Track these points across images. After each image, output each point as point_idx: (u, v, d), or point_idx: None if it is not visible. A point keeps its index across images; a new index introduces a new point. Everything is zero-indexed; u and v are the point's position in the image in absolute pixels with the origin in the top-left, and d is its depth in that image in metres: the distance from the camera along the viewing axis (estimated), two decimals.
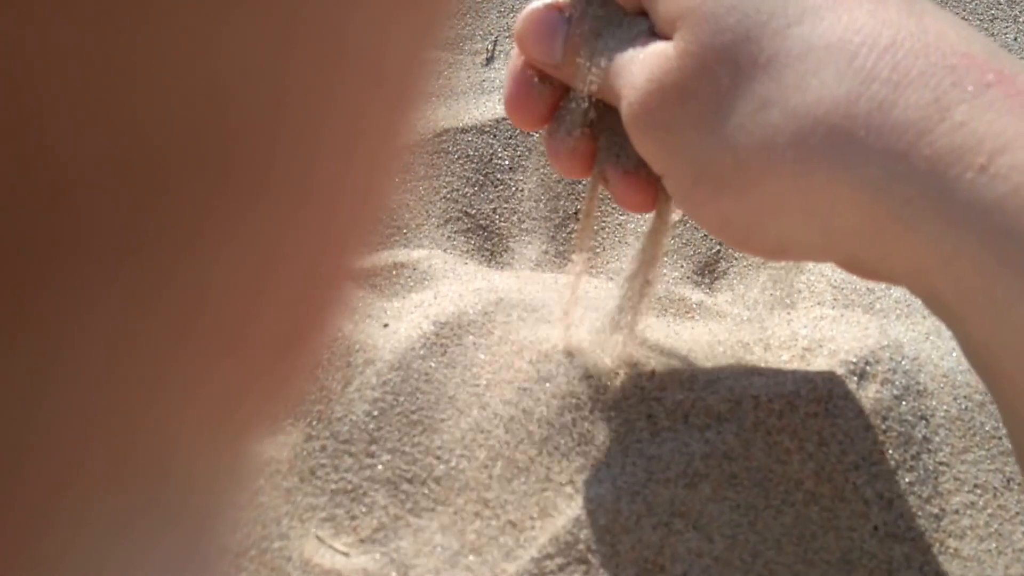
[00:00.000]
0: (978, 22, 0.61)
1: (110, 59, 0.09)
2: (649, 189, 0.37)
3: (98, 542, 0.11)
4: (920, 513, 0.38)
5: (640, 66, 0.34)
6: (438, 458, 0.40)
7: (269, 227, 0.11)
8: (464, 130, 0.50)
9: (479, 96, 0.53)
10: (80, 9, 0.08)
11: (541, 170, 0.50)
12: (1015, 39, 0.60)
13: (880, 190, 0.30)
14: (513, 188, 0.49)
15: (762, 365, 0.42)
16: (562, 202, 0.49)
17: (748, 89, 0.32)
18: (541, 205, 0.49)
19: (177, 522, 0.12)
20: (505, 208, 0.49)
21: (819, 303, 0.47)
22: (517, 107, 0.37)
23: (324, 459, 0.41)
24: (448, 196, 0.49)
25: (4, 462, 0.10)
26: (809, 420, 0.39)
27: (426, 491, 0.40)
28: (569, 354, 0.41)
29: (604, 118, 0.37)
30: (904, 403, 0.40)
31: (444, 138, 0.50)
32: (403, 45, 0.11)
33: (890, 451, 0.39)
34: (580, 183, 0.49)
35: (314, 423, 0.41)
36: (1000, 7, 0.63)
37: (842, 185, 0.30)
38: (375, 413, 0.41)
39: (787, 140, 0.31)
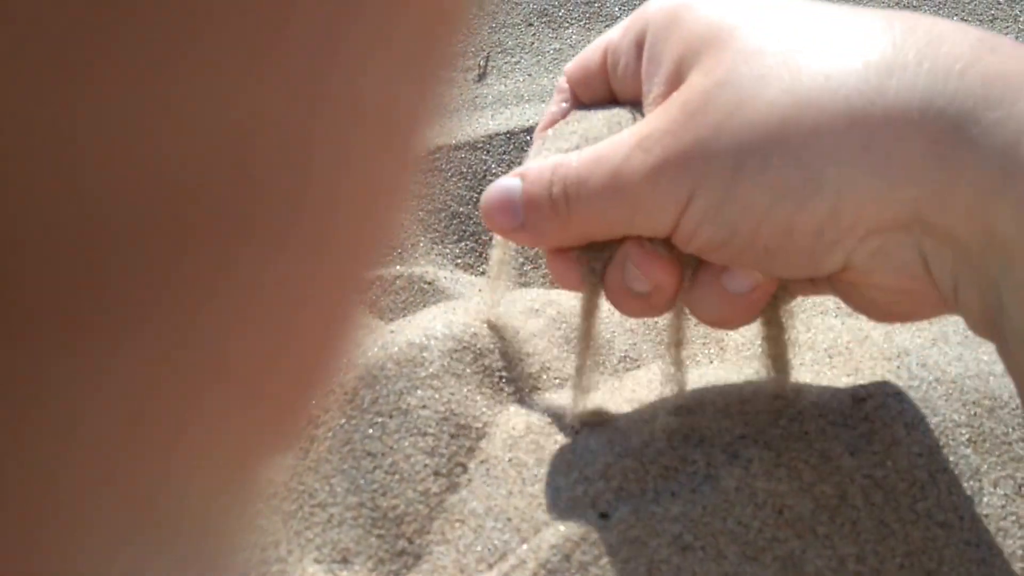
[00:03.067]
0: (978, 22, 0.61)
1: (141, 115, 0.09)
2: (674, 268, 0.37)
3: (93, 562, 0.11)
4: (929, 522, 0.38)
5: (663, 108, 0.34)
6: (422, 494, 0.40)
7: (289, 280, 0.11)
8: (457, 147, 0.50)
9: (471, 112, 0.53)
10: (115, 66, 0.09)
11: None
12: (1016, 39, 0.59)
13: (939, 112, 0.30)
14: None
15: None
16: None
17: (791, 57, 0.32)
18: None
19: (188, 571, 0.12)
20: None
21: (822, 312, 0.47)
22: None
23: (314, 483, 0.41)
24: (443, 214, 0.49)
25: (28, 513, 0.10)
26: (813, 435, 0.39)
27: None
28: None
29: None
30: (913, 411, 0.40)
31: (437, 156, 0.50)
32: (412, 100, 0.12)
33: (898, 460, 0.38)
34: None
35: (305, 444, 0.41)
36: (1000, 7, 0.63)
37: (901, 114, 0.30)
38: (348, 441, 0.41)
39: (838, 84, 0.31)
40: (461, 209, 0.49)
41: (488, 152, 0.51)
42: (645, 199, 0.34)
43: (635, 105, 0.38)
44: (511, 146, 0.51)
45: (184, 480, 0.11)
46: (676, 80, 0.35)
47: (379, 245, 0.12)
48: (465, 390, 0.42)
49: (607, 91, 0.40)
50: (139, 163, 0.09)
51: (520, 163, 0.50)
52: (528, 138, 0.51)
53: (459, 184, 0.50)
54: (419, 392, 0.42)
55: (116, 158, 0.09)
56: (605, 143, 0.36)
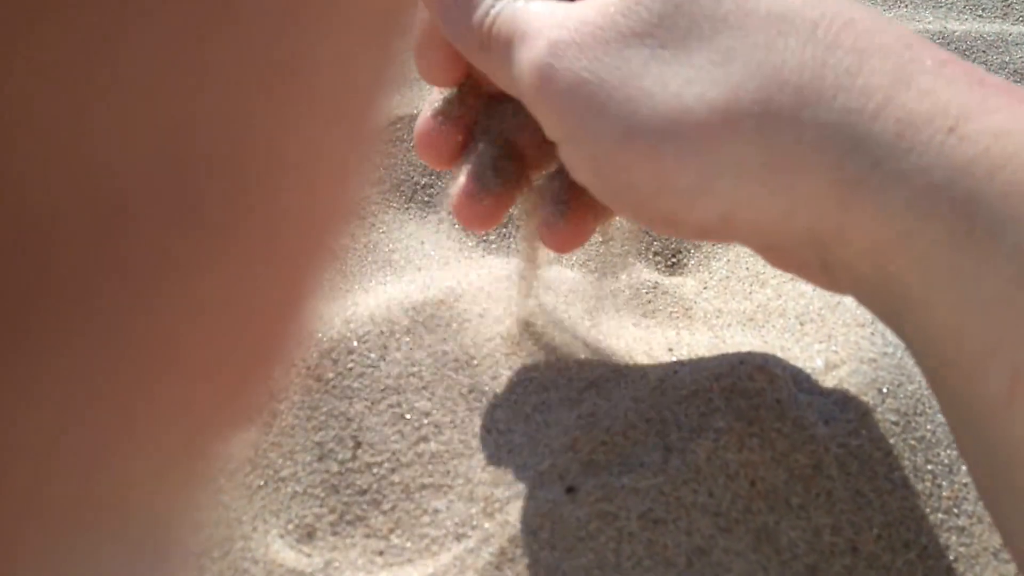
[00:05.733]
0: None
1: (78, 99, 0.09)
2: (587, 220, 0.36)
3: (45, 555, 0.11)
4: (906, 491, 0.37)
5: (565, 11, 0.33)
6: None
7: (243, 258, 0.11)
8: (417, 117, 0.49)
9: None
10: (48, 52, 0.08)
11: None
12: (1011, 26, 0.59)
13: (848, 152, 0.29)
14: None
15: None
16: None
17: (708, 40, 0.31)
18: None
19: (141, 554, 0.12)
20: None
21: (792, 279, 0.46)
22: (423, 147, 0.38)
23: (279, 458, 0.40)
24: (406, 185, 0.48)
25: None
26: (785, 404, 0.38)
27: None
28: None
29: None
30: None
31: (399, 126, 0.49)
32: (368, 72, 0.12)
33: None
34: None
35: (269, 419, 0.40)
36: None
37: (809, 146, 0.30)
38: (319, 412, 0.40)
39: (751, 96, 0.30)
40: (424, 180, 0.48)
41: None
42: (537, 106, 0.33)
43: None
44: None
45: (133, 464, 0.11)
46: None
47: (335, 219, 0.12)
48: (428, 361, 0.42)
49: None
50: (75, 149, 0.09)
51: None
52: None
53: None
54: (383, 365, 0.41)
55: (54, 145, 0.09)
56: (543, 12, 0.33)
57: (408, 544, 0.38)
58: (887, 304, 0.31)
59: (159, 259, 0.10)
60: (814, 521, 0.36)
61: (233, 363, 0.12)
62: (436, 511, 0.38)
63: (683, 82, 0.31)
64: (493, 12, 0.34)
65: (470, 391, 0.41)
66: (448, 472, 0.39)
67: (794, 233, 0.31)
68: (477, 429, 0.40)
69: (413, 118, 0.49)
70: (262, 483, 0.39)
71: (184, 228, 0.10)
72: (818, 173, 0.30)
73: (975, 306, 0.28)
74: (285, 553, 0.38)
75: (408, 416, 0.40)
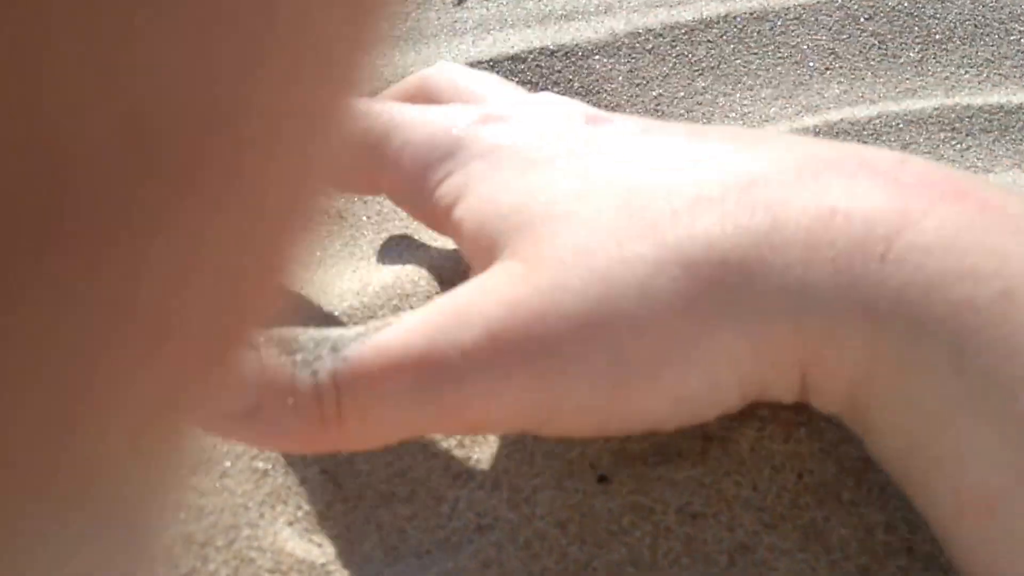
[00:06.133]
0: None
1: (98, 50, 0.09)
2: None
3: (24, 547, 0.11)
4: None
5: (479, 307, 0.30)
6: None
7: (231, 226, 0.11)
8: None
9: (450, 39, 0.49)
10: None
11: None
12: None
13: (799, 309, 0.29)
14: None
15: None
16: None
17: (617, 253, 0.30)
18: None
19: (107, 524, 0.12)
20: None
21: None
22: None
23: None
24: None
25: None
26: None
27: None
28: None
29: None
30: None
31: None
32: (353, 34, 0.11)
33: None
34: None
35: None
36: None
37: (747, 329, 0.29)
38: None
39: (680, 294, 0.29)
40: None
41: None
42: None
43: None
44: (494, 74, 0.47)
45: (96, 426, 0.11)
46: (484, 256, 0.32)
47: (321, 187, 0.12)
48: None
49: None
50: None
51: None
52: (513, 67, 0.47)
53: None
54: None
55: (74, 93, 0.09)
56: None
57: (426, 536, 0.35)
58: (851, 423, 0.32)
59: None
60: (866, 518, 0.34)
61: (193, 336, 0.11)
62: (456, 500, 0.36)
63: (617, 296, 0.30)
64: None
65: None
66: (469, 458, 0.37)
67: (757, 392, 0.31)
68: None
69: None
70: (270, 467, 0.37)
71: (181, 186, 0.10)
72: (773, 348, 0.30)
73: (919, 428, 0.28)
74: (294, 542, 0.36)
75: None
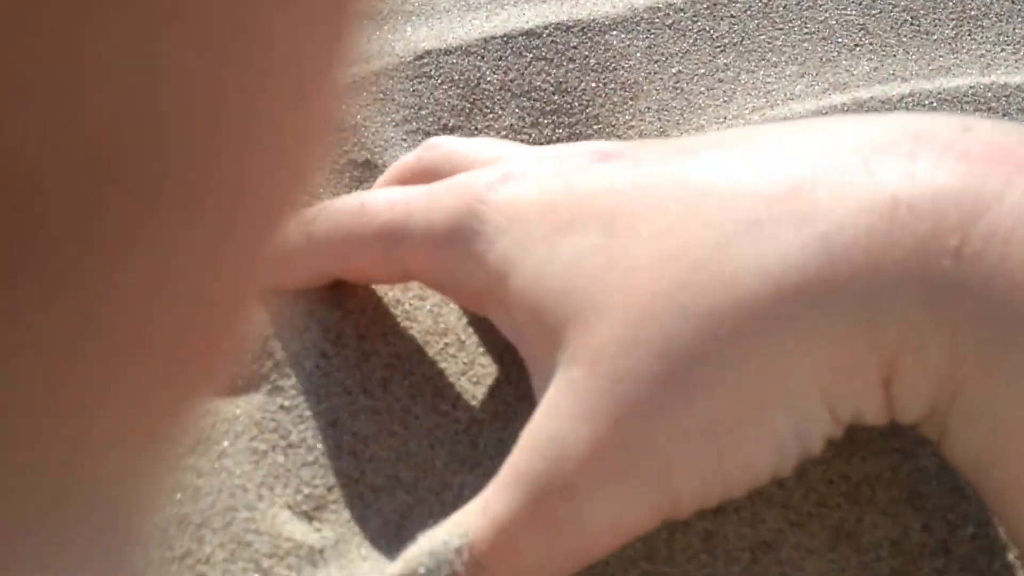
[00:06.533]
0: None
1: (57, 65, 0.09)
2: None
3: (12, 537, 0.11)
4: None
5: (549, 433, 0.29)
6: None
7: (205, 238, 0.11)
8: (447, 51, 0.46)
9: (463, 14, 0.48)
10: (33, 10, 0.08)
11: (532, 93, 0.45)
12: None
13: (872, 323, 0.27)
14: (502, 115, 0.45)
15: None
16: (559, 131, 0.45)
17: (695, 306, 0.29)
18: (535, 132, 0.45)
19: (87, 520, 0.12)
20: (493, 137, 0.44)
21: None
22: None
23: (290, 423, 0.36)
24: (431, 125, 0.45)
25: None
26: None
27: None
28: None
29: None
30: None
31: (425, 61, 0.46)
32: (323, 44, 0.11)
33: None
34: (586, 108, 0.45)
35: (276, 380, 0.37)
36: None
37: (823, 354, 0.28)
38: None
39: (744, 340, 0.28)
40: (452, 121, 0.45)
41: (482, 58, 0.46)
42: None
43: None
44: (508, 51, 0.46)
45: (73, 429, 0.11)
46: (560, 378, 0.30)
47: (295, 197, 0.12)
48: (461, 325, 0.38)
49: None
50: (57, 117, 0.09)
51: (518, 69, 0.46)
52: (527, 42, 0.46)
53: (450, 93, 0.45)
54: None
55: (34, 110, 0.09)
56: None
57: (430, 523, 0.34)
58: (925, 428, 0.30)
59: (130, 232, 0.10)
60: (901, 519, 0.33)
61: (168, 343, 0.11)
62: (461, 487, 0.35)
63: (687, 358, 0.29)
64: None
65: (503, 352, 0.37)
66: (475, 445, 0.36)
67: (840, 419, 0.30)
68: (509, 398, 0.37)
69: (441, 52, 0.46)
70: (269, 448, 0.36)
71: (152, 199, 0.10)
72: (845, 357, 0.28)
73: (1003, 435, 0.27)
74: (293, 526, 0.35)
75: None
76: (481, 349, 0.38)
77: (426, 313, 0.38)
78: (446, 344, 0.38)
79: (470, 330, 0.38)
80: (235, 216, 0.11)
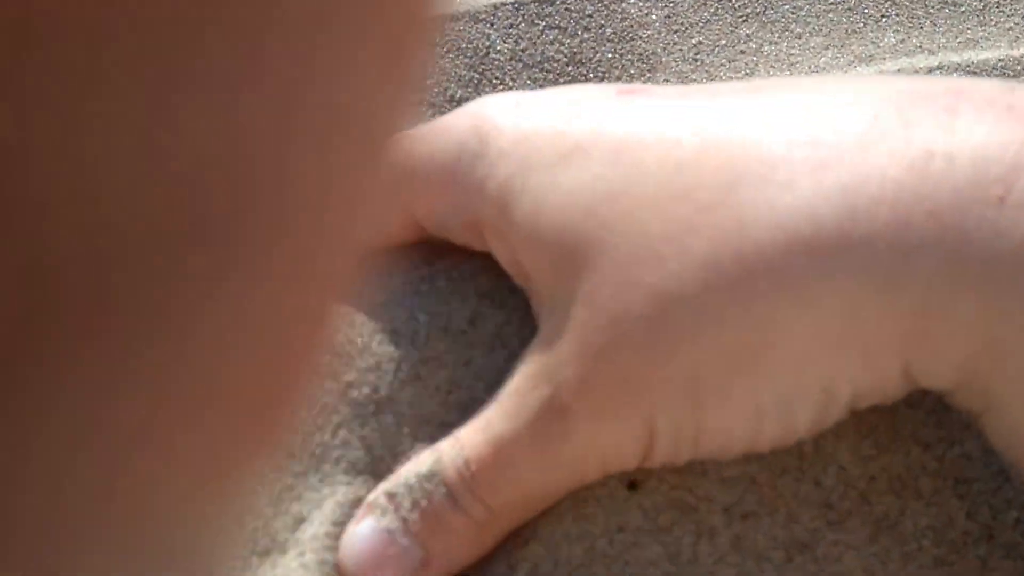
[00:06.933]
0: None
1: (146, 125, 0.09)
2: None
3: None
4: None
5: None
6: None
7: (276, 295, 0.11)
8: (455, 18, 0.44)
9: None
10: (124, 74, 0.09)
11: (544, 64, 0.44)
12: None
13: (893, 284, 0.26)
14: (512, 86, 0.43)
15: None
16: None
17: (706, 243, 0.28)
18: None
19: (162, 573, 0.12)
20: None
21: None
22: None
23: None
24: (437, 97, 0.43)
25: (36, 524, 0.10)
26: None
27: None
28: None
29: None
30: None
31: (434, 27, 0.43)
32: (387, 106, 0.12)
33: None
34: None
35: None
36: None
37: (829, 318, 0.27)
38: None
39: (742, 289, 0.27)
40: (460, 92, 0.44)
41: (492, 25, 0.44)
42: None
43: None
44: (519, 19, 0.44)
45: (175, 495, 0.11)
46: (559, 311, 0.30)
47: (360, 256, 0.13)
48: None
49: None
50: (146, 173, 0.09)
51: (529, 38, 0.44)
52: (540, 9, 0.44)
53: (458, 63, 0.44)
54: None
55: (127, 170, 0.09)
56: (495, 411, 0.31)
57: None
58: (963, 403, 0.29)
59: (207, 287, 0.10)
60: (945, 507, 0.32)
61: (263, 396, 0.12)
62: None
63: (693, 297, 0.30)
64: None
65: None
66: None
67: (888, 377, 0.28)
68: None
69: (448, 18, 0.44)
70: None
71: (227, 255, 0.10)
72: (875, 313, 0.27)
73: None
74: None
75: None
76: None
77: None
78: None
79: None
80: (305, 268, 0.11)
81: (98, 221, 0.09)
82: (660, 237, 0.28)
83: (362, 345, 0.33)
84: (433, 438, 0.31)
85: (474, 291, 0.34)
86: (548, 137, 0.31)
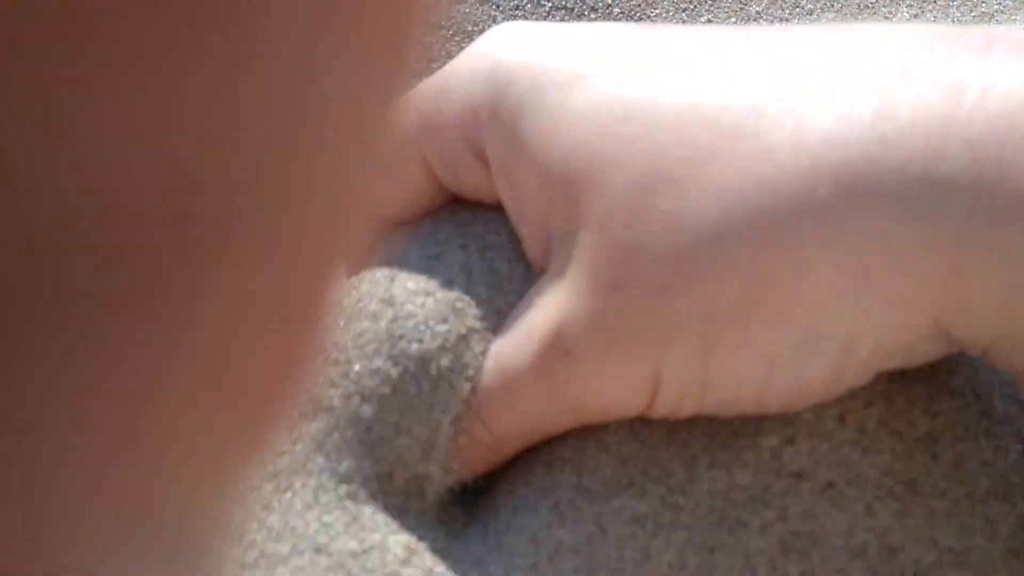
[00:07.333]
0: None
1: (149, 113, 0.09)
2: None
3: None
4: None
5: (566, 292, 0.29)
6: None
7: (269, 286, 0.11)
8: (460, 0, 0.44)
9: None
10: (126, 64, 0.09)
11: None
12: None
13: (927, 216, 0.25)
14: None
15: None
16: None
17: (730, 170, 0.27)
18: None
19: (152, 551, 0.12)
20: None
21: None
22: None
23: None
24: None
25: (28, 511, 0.10)
26: None
27: None
28: None
29: None
30: None
31: (436, 11, 0.42)
32: (381, 102, 0.12)
33: None
34: None
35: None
36: None
37: (850, 259, 0.26)
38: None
39: (759, 226, 0.26)
40: None
41: (497, 7, 0.44)
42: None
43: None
44: (524, 0, 0.45)
45: (169, 482, 0.11)
46: (569, 242, 0.29)
47: (353, 246, 0.13)
48: None
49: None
50: (149, 160, 0.09)
51: (536, 19, 0.44)
52: None
53: (463, 45, 0.43)
54: None
55: (130, 155, 0.09)
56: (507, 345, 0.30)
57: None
58: (1004, 359, 0.27)
59: (202, 272, 0.10)
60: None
61: (238, 380, 0.12)
62: None
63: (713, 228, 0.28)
64: None
65: None
66: None
67: (919, 331, 0.27)
68: None
69: (454, 1, 0.44)
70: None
71: (224, 241, 0.10)
72: (913, 249, 0.26)
73: None
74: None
75: None
76: None
77: None
78: None
79: None
80: (300, 253, 0.12)
81: (96, 201, 0.09)
82: (678, 161, 0.27)
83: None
84: None
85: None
86: (562, 59, 0.30)
